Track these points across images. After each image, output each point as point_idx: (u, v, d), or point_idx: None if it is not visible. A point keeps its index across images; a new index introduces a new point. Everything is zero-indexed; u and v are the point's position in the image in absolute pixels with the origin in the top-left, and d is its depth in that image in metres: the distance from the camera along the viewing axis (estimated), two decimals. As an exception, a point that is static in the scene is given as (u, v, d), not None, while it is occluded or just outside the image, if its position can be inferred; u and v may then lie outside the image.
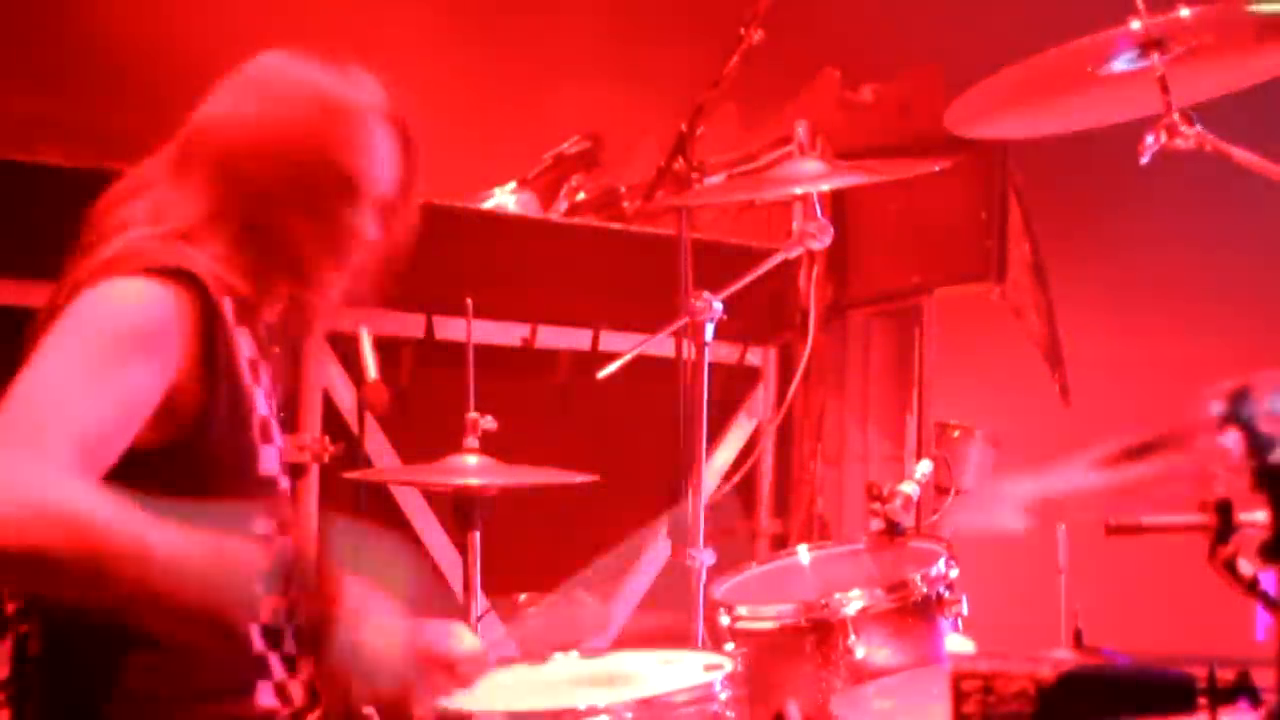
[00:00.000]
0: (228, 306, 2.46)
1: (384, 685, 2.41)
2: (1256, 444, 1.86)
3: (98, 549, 2.16)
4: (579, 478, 3.48)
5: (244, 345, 2.50)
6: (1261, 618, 1.99)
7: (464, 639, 2.74)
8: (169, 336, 2.37)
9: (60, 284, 2.46)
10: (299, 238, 2.55)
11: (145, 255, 2.42)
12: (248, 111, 2.56)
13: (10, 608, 2.48)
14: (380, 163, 2.61)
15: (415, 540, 4.38)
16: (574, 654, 3.12)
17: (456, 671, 2.70)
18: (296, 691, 2.55)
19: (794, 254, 3.77)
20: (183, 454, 2.39)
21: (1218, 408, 1.86)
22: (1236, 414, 1.85)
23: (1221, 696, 1.90)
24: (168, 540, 2.21)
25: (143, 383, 2.34)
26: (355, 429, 4.18)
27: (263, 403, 2.53)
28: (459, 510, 3.43)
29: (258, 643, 2.49)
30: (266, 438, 2.53)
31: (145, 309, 2.36)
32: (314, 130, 2.55)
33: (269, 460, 2.52)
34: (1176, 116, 2.94)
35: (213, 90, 2.61)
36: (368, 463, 4.18)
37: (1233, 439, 1.86)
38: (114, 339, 2.33)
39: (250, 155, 2.53)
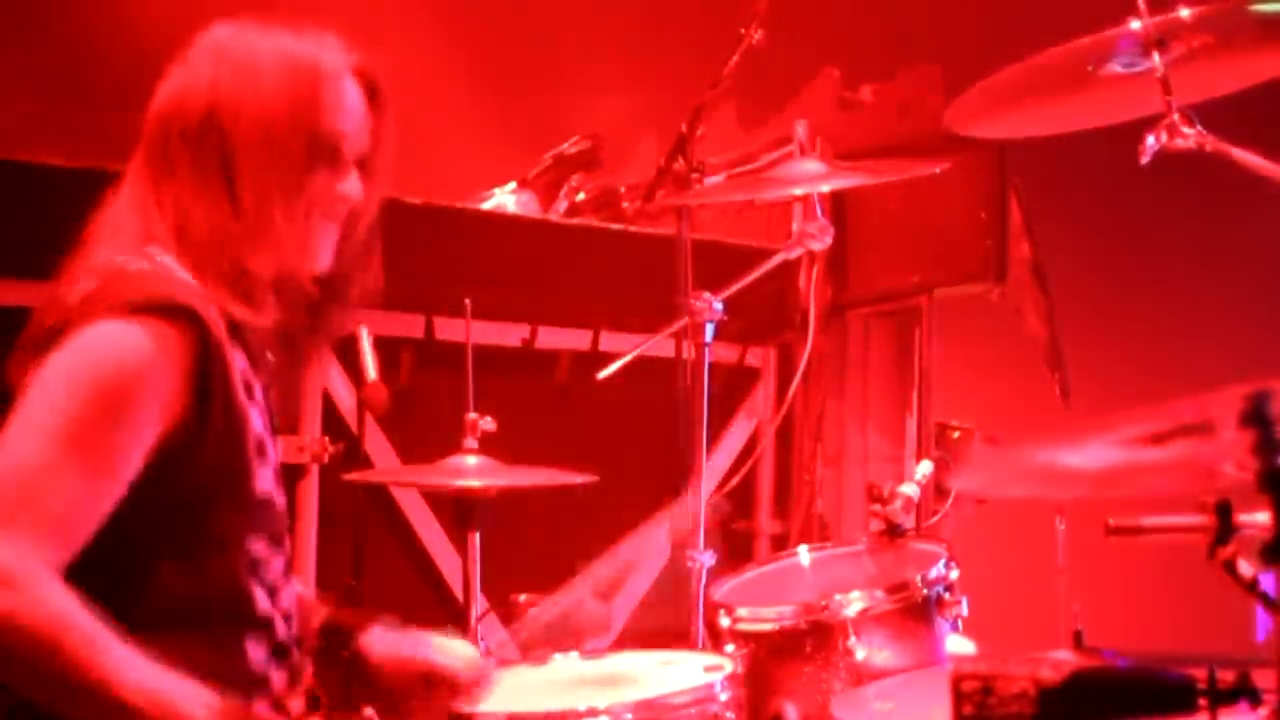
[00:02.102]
0: (219, 325, 2.41)
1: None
2: (1269, 446, 1.86)
3: (48, 662, 2.18)
4: (579, 478, 3.48)
5: (238, 363, 2.45)
6: (1261, 618, 1.99)
7: (459, 651, 2.73)
8: (157, 384, 2.32)
9: (49, 306, 2.42)
10: (287, 210, 2.49)
11: (132, 287, 2.36)
12: (215, 85, 2.49)
13: None
14: (356, 121, 2.58)
15: (415, 540, 4.38)
16: (574, 655, 3.12)
17: (461, 685, 2.69)
18: (296, 703, 2.54)
19: (794, 254, 3.77)
20: (175, 480, 2.36)
21: (1239, 405, 1.86)
22: (1256, 414, 1.85)
23: (1221, 697, 1.89)
24: (128, 669, 2.22)
25: (132, 444, 2.31)
26: (355, 429, 4.18)
27: (258, 420, 2.49)
28: (459, 510, 3.43)
29: (258, 657, 2.48)
30: (262, 456, 2.49)
31: (132, 361, 2.31)
32: (290, 96, 2.49)
33: (264, 479, 2.49)
34: (1177, 117, 2.94)
35: (170, 72, 2.56)
36: (368, 463, 4.18)
37: (1247, 438, 1.86)
38: (100, 402, 2.28)
39: (228, 130, 2.47)
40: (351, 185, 2.58)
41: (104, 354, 2.32)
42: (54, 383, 2.31)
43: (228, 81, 2.49)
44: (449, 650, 2.73)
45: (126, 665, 2.23)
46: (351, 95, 2.57)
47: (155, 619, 2.30)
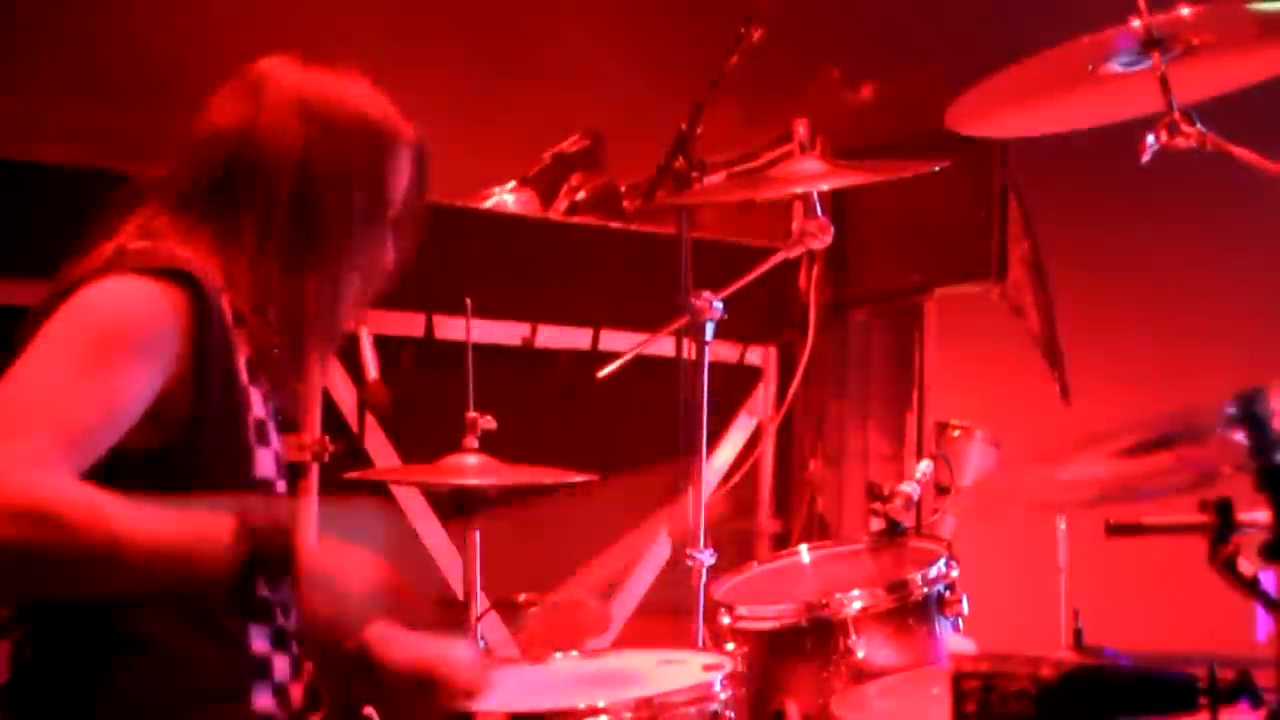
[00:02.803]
0: (225, 307, 2.45)
1: (358, 615, 2.39)
2: (1263, 444, 1.86)
3: (68, 542, 2.17)
4: (579, 478, 3.48)
5: (242, 345, 2.48)
6: (1261, 618, 1.99)
7: (462, 655, 2.74)
8: (161, 338, 2.36)
9: (56, 281, 2.45)
10: (328, 259, 2.55)
11: (141, 255, 2.41)
12: (309, 148, 2.52)
13: (4, 613, 2.47)
14: (403, 189, 2.63)
15: (415, 540, 4.38)
16: (574, 654, 3.12)
17: (458, 691, 2.69)
18: (295, 694, 2.55)
19: (794, 253, 3.77)
20: (174, 457, 2.38)
21: (1231, 406, 1.86)
22: (1248, 414, 1.85)
23: (1222, 696, 1.89)
24: (138, 523, 2.21)
25: (132, 384, 2.33)
26: (355, 428, 4.18)
27: (259, 404, 2.51)
28: (459, 510, 3.43)
29: (261, 644, 2.48)
30: (262, 440, 2.51)
31: (138, 309, 2.35)
32: (377, 174, 2.56)
33: (264, 463, 2.51)
34: (1177, 115, 2.94)
35: (234, 94, 2.57)
36: (368, 462, 4.18)
37: (1242, 438, 1.86)
38: (105, 338, 2.32)
39: (293, 180, 2.51)
40: (388, 248, 2.64)
41: (108, 301, 2.36)
42: (59, 324, 2.35)
43: (320, 147, 2.53)
44: (452, 654, 2.74)
45: (135, 520, 2.21)
46: (408, 166, 2.63)
47: (156, 598, 2.31)
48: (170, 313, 2.37)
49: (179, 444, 2.38)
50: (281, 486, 2.58)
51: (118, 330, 2.33)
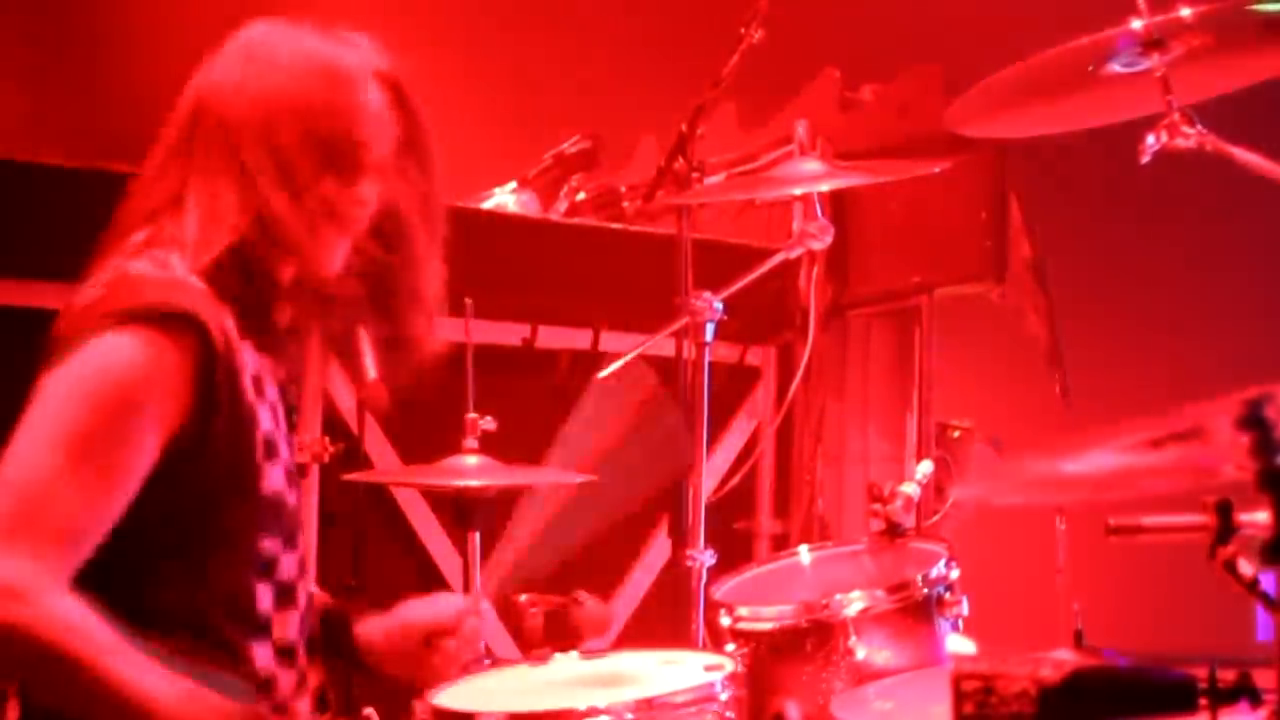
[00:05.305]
0: (223, 327, 2.41)
1: None
2: (1266, 446, 1.86)
3: (64, 673, 2.21)
4: (579, 477, 3.48)
5: (248, 362, 2.46)
6: (1262, 618, 2.00)
7: (445, 603, 2.75)
8: (157, 395, 2.33)
9: (60, 316, 2.43)
10: (297, 214, 2.49)
11: (132, 294, 2.37)
12: (242, 83, 2.50)
13: None
14: (377, 127, 2.56)
15: (415, 540, 4.38)
16: (574, 654, 3.12)
17: (460, 631, 2.71)
18: (303, 705, 2.54)
19: (794, 254, 3.77)
20: (179, 485, 2.37)
21: (1237, 409, 1.86)
22: (1256, 417, 1.85)
23: (1222, 697, 1.89)
24: (137, 682, 2.24)
25: (137, 454, 2.32)
26: (355, 429, 4.18)
27: (267, 418, 2.49)
28: (459, 510, 3.43)
29: (267, 663, 2.47)
30: (271, 454, 2.49)
31: (130, 375, 2.32)
32: (304, 102, 2.50)
33: (273, 478, 2.49)
34: (1177, 116, 2.94)
35: (202, 66, 2.57)
36: (368, 463, 4.18)
37: (1246, 440, 1.87)
38: (100, 416, 2.30)
39: (251, 129, 2.48)
40: (363, 192, 2.56)
41: (103, 368, 2.33)
42: (55, 397, 2.32)
43: (251, 85, 2.50)
44: (435, 605, 2.77)
45: (140, 673, 2.24)
46: (372, 101, 2.56)
47: (158, 621, 2.31)
48: (166, 369, 2.34)
49: (186, 473, 2.38)
50: (292, 499, 2.56)
51: (113, 404, 2.31)
